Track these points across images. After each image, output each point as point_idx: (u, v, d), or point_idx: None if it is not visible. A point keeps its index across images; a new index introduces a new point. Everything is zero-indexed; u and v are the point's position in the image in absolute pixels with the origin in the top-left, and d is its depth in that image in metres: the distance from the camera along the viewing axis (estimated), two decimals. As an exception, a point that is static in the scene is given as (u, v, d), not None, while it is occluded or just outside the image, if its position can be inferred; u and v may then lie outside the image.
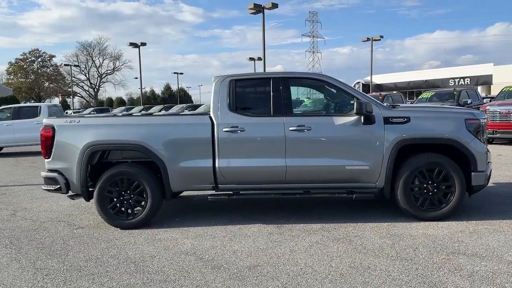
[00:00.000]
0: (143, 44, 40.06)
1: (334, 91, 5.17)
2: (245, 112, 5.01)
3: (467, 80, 50.55)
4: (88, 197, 5.16)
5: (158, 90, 77.41)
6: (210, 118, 5.00)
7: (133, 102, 76.99)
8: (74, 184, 5.05)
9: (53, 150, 5.06)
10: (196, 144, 4.97)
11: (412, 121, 4.79)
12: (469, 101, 14.30)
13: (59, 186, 5.07)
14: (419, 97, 17.13)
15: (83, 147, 4.96)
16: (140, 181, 4.97)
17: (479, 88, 42.92)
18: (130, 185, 5.01)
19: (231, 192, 5.04)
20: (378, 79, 59.03)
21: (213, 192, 5.16)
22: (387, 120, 4.80)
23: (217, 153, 4.92)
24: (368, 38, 40.36)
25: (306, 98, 7.09)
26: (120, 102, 75.51)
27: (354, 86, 65.45)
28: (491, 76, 48.56)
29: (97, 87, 65.39)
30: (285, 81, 5.03)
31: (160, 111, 28.90)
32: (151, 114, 6.99)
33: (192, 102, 77.01)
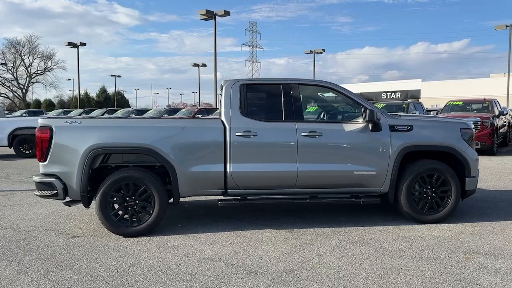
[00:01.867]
0: (83, 44, 38.12)
1: (341, 98, 5.33)
2: (257, 117, 5.00)
3: (398, 94, 54.17)
4: (88, 203, 4.83)
5: (91, 93, 73.92)
6: (222, 122, 4.93)
7: (63, 105, 72.79)
8: (73, 189, 4.70)
9: (50, 152, 4.68)
10: (208, 148, 4.86)
11: (414, 129, 5.09)
12: (416, 113, 15.34)
13: (55, 191, 4.69)
14: None
15: (86, 150, 4.65)
16: (148, 186, 4.75)
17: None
18: (136, 191, 4.77)
19: (239, 197, 4.99)
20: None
21: (219, 197, 5.08)
22: (392, 128, 5.05)
23: (229, 157, 4.85)
24: (311, 51, 41.82)
25: (311, 105, 7.21)
26: (49, 104, 71.03)
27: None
28: (419, 91, 52.51)
29: (25, 88, 60.82)
30: (295, 88, 5.11)
31: (102, 114, 27.66)
32: (159, 117, 6.70)
33: (129, 106, 74.52)
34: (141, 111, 27.20)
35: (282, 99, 5.06)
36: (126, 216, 4.78)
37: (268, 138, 4.93)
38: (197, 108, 23.70)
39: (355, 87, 58.44)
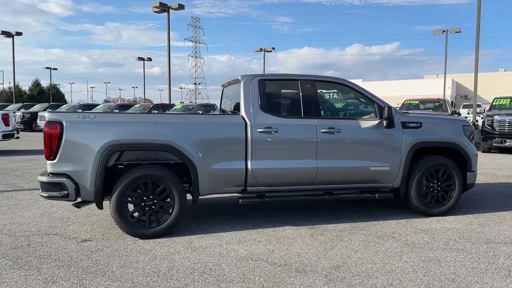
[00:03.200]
0: (19, 33, 35.36)
1: (354, 95, 5.41)
2: (277, 113, 4.94)
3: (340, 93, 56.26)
4: (101, 204, 4.50)
5: (23, 86, 68.94)
6: (243, 118, 4.81)
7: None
8: (86, 189, 4.35)
9: (60, 150, 4.28)
10: (229, 144, 4.72)
11: (423, 126, 5.29)
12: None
13: (66, 192, 4.30)
14: None
15: (101, 147, 4.31)
16: (167, 185, 4.51)
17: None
18: (154, 189, 4.52)
19: (260, 195, 4.91)
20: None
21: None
22: (404, 125, 5.21)
23: (250, 154, 4.74)
24: (261, 49, 42.06)
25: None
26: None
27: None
28: (360, 90, 54.83)
29: None
30: (312, 84, 5.10)
31: (45, 110, 25.87)
32: (178, 113, 6.35)
33: (65, 101, 70.41)
34: (89, 106, 25.73)
35: (301, 95, 5.03)
36: (143, 217, 4.51)
37: (289, 134, 4.88)
38: (151, 104, 22.92)
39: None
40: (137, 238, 4.49)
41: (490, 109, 14.11)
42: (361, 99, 5.37)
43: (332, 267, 3.68)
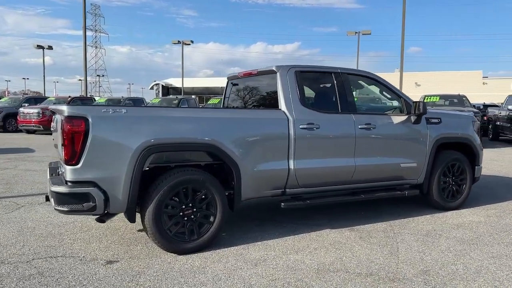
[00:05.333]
0: None
1: (381, 90, 5.24)
2: (316, 108, 4.56)
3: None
4: (134, 217, 3.72)
5: None
6: (284, 113, 4.35)
7: None
8: (117, 200, 3.55)
9: (85, 152, 3.42)
10: (273, 143, 4.23)
11: (443, 122, 5.34)
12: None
13: (93, 204, 3.46)
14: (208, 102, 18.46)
15: (138, 148, 3.55)
16: (209, 190, 3.90)
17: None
18: (194, 196, 3.87)
19: (300, 197, 4.51)
20: (177, 82, 60.25)
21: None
22: (428, 121, 5.20)
23: (293, 152, 4.32)
24: (178, 41, 40.66)
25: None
26: None
27: (153, 87, 64.82)
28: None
29: None
30: (345, 77, 4.83)
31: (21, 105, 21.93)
32: (217, 108, 5.46)
33: None
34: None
35: (336, 88, 4.72)
36: (179, 228, 3.84)
37: (330, 131, 4.55)
38: (70, 97, 20.63)
39: (219, 81, 59.30)
40: (173, 254, 3.81)
41: None
42: (386, 93, 5.23)
43: (420, 273, 3.45)
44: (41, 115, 17.77)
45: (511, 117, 14.03)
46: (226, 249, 3.98)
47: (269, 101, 4.81)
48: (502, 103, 16.56)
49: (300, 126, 4.33)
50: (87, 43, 25.04)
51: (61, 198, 3.45)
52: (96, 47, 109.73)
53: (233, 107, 5.26)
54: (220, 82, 59.09)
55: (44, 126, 17.69)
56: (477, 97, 29.70)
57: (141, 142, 3.56)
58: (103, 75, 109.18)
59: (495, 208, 5.59)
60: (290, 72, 4.49)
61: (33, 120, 17.89)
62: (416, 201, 5.82)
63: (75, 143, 3.39)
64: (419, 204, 5.69)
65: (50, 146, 13.14)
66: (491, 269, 3.53)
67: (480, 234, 4.48)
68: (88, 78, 28.24)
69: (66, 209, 3.44)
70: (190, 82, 59.29)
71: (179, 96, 20.69)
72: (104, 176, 3.48)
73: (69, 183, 3.46)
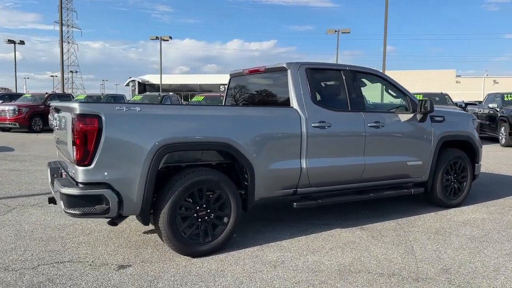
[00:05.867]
0: None
1: (387, 88, 5.22)
2: (327, 106, 4.49)
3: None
4: (149, 220, 3.57)
5: None
6: (296, 111, 4.26)
7: None
8: (131, 201, 3.39)
9: (98, 152, 3.25)
10: (286, 141, 4.15)
11: (446, 120, 5.37)
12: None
13: (107, 207, 3.29)
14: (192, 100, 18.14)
15: (154, 147, 3.40)
16: (224, 190, 3.78)
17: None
18: (208, 197, 3.75)
19: (311, 197, 4.44)
20: (153, 78, 59.36)
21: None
22: (432, 119, 5.21)
23: (305, 151, 4.24)
24: (157, 37, 39.97)
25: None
26: None
27: (129, 84, 63.54)
28: (253, 84, 56.04)
29: None
30: (354, 75, 4.78)
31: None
32: (232, 105, 5.24)
33: None
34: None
35: (345, 86, 4.67)
36: (193, 230, 3.71)
37: (341, 129, 4.50)
38: (47, 93, 19.92)
39: (196, 78, 58.87)
40: (187, 257, 3.68)
41: None
42: (392, 91, 5.21)
43: (441, 272, 3.44)
44: (17, 112, 17.12)
45: (491, 115, 14.39)
46: (240, 250, 3.88)
47: (278, 99, 4.71)
48: (481, 102, 17.00)
49: (312, 125, 4.26)
50: (58, 39, 24.24)
51: (72, 201, 3.26)
52: (68, 42, 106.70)
53: (243, 105, 5.13)
54: (198, 79, 58.74)
55: (20, 124, 17.09)
56: (452, 96, 30.39)
57: (157, 141, 3.41)
58: (76, 71, 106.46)
59: (494, 205, 5.68)
60: (301, 69, 4.41)
61: (8, 118, 17.20)
62: (416, 199, 5.85)
63: (88, 142, 3.21)
64: (419, 202, 5.71)
65: (30, 145, 12.68)
66: (509, 267, 3.55)
67: (488, 231, 4.53)
68: (61, 75, 27.32)
69: (78, 212, 3.26)
70: (168, 79, 58.29)
71: (162, 93, 20.36)
72: (118, 177, 3.32)
73: (80, 185, 3.28)
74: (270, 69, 4.67)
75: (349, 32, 36.63)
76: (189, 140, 3.60)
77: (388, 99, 5.49)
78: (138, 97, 20.07)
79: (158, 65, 40.99)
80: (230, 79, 5.50)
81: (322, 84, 4.77)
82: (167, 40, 40.21)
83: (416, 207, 5.52)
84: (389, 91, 5.23)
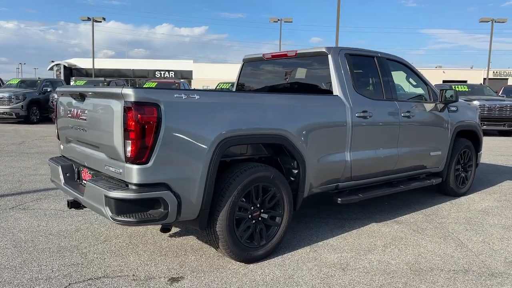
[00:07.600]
0: None
1: (409, 76, 5.08)
2: (366, 94, 4.25)
3: (172, 73, 54.93)
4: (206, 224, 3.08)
5: None
6: (341, 100, 3.97)
7: None
8: (191, 204, 2.90)
9: (157, 147, 2.71)
10: (334, 132, 3.85)
11: (459, 110, 5.39)
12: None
13: (165, 212, 2.77)
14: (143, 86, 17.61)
15: (215, 140, 2.93)
16: (278, 188, 3.40)
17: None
18: (263, 196, 3.35)
19: (352, 192, 4.21)
20: (81, 62, 55.63)
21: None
22: (448, 109, 5.21)
23: (349, 142, 3.98)
24: (88, 18, 37.14)
25: None
26: None
27: (52, 68, 58.79)
28: (191, 71, 54.71)
29: None
30: (385, 62, 4.59)
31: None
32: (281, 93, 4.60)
33: None
34: None
35: (380, 74, 4.46)
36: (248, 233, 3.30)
37: (381, 119, 4.28)
38: (39, 78, 17.54)
39: (129, 63, 56.04)
40: (241, 264, 3.27)
41: None
42: (413, 80, 5.09)
43: (509, 264, 3.38)
44: (13, 100, 14.99)
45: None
46: (292, 253, 3.54)
47: (313, 87, 4.38)
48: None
49: (356, 114, 4.00)
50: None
51: (125, 206, 2.69)
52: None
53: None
54: (130, 63, 55.88)
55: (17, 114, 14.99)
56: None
57: (219, 133, 2.94)
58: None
59: (495, 192, 5.85)
60: (341, 54, 4.11)
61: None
62: (422, 188, 5.83)
63: (146, 136, 2.66)
64: (426, 192, 5.71)
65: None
66: (562, 256, 3.59)
67: (502, 222, 4.55)
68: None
69: (133, 220, 2.70)
70: (97, 63, 54.70)
71: (108, 79, 18.92)
72: (177, 175, 2.80)
73: (134, 187, 2.71)
74: (304, 54, 4.31)
75: (291, 22, 36.86)
76: (249, 132, 3.16)
77: (405, 87, 5.39)
78: (81, 82, 18.49)
79: (80, 48, 38.35)
80: (243, 64, 5.05)
81: (359, 71, 4.51)
82: (100, 21, 37.56)
83: (428, 197, 5.52)
84: (410, 79, 5.12)
